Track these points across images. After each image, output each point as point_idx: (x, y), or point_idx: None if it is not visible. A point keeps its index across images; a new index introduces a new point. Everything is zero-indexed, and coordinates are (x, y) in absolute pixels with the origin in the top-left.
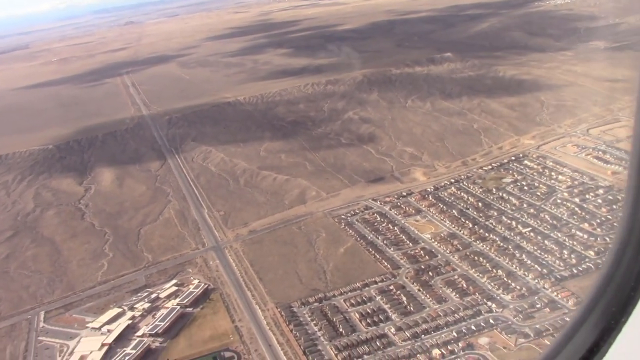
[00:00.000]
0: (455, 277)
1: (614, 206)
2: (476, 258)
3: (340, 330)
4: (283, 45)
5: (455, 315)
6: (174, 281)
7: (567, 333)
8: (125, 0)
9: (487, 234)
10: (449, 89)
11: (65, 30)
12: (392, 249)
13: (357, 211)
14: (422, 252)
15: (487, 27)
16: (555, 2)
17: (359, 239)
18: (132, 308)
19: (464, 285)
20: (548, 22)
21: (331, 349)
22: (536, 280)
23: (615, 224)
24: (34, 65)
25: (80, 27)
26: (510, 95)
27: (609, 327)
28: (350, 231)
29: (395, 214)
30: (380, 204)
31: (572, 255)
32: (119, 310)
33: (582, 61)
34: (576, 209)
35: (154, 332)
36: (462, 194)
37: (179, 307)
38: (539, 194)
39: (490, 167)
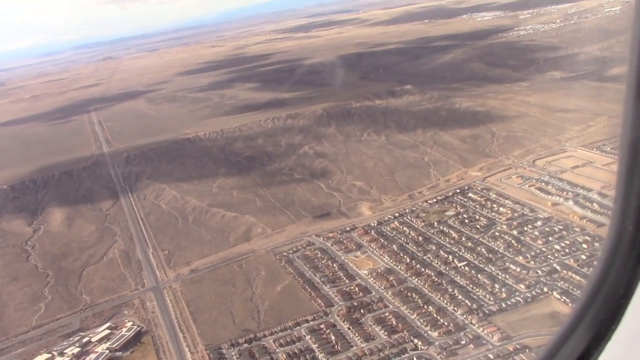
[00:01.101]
0: (387, 314)
1: (550, 238)
2: (409, 294)
3: None
4: (251, 80)
5: (381, 353)
6: (107, 324)
7: (557, 341)
8: (107, 35)
9: (423, 269)
10: (405, 121)
11: (44, 67)
12: (328, 286)
13: (300, 248)
14: (357, 288)
15: (450, 58)
16: (519, 33)
17: (297, 277)
18: (61, 353)
19: (394, 322)
20: (509, 53)
21: None
22: (464, 316)
23: (549, 256)
24: (4, 103)
25: (59, 63)
26: (464, 127)
27: (599, 336)
28: (290, 269)
29: (337, 249)
30: (323, 239)
31: (503, 289)
32: (48, 356)
33: (536, 92)
34: (513, 241)
35: None
36: (404, 228)
37: (108, 351)
38: (478, 226)
39: (435, 200)
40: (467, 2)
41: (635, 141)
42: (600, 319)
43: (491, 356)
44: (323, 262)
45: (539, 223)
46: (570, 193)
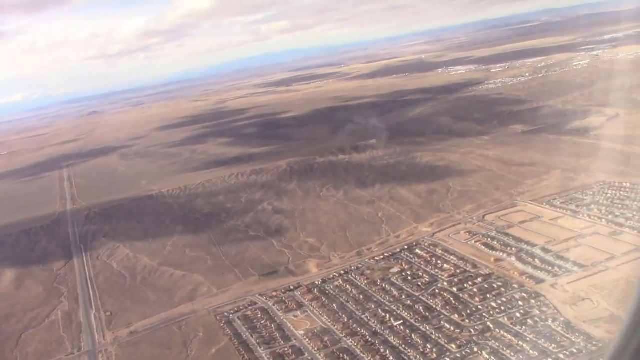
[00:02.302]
0: None
1: (488, 295)
2: (341, 355)
3: None
4: (225, 134)
5: None
6: None
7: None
8: (96, 90)
9: (359, 329)
10: (365, 176)
11: (29, 122)
12: (262, 348)
13: (241, 307)
14: (290, 350)
15: (419, 112)
16: (488, 86)
17: (233, 338)
18: None
19: None
20: (476, 107)
21: None
22: None
23: (484, 314)
24: None
25: (46, 118)
26: (421, 182)
27: None
28: (228, 330)
29: (277, 309)
30: (266, 299)
31: (434, 349)
32: None
33: (496, 145)
34: (451, 299)
35: None
36: (348, 286)
37: None
38: (420, 284)
39: (382, 257)
40: (446, 56)
41: None
42: None
43: None
44: (262, 322)
45: (480, 280)
46: (514, 249)
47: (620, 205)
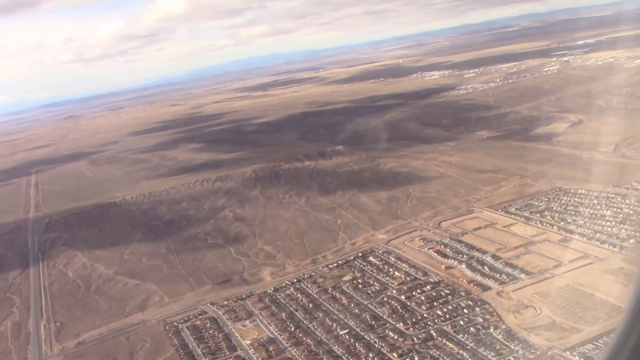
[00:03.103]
0: None
1: (435, 303)
2: None
3: None
4: (196, 140)
5: None
6: None
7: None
8: (77, 93)
9: (304, 338)
10: (328, 183)
11: (6, 126)
12: (207, 358)
13: (191, 317)
14: None
15: (389, 118)
16: (459, 92)
17: (180, 349)
18: None
19: None
20: (445, 112)
21: None
22: None
23: (429, 322)
24: None
25: (22, 122)
26: (383, 189)
27: None
28: (175, 340)
29: (227, 318)
30: (217, 308)
31: (376, 359)
32: None
33: (460, 151)
34: (399, 307)
35: None
36: (299, 294)
37: None
38: (370, 292)
39: (336, 264)
40: (423, 61)
41: None
42: None
43: None
44: (210, 332)
45: (428, 287)
46: (465, 256)
47: (572, 212)
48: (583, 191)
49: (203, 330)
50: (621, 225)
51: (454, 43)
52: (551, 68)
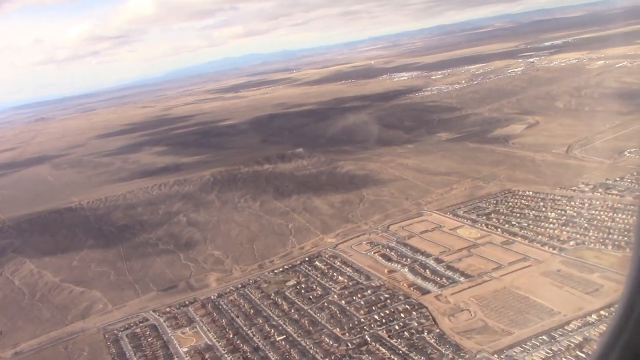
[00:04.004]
0: None
1: (373, 307)
2: None
3: None
4: (161, 143)
5: None
6: None
7: None
8: (51, 95)
9: (242, 345)
10: (284, 187)
11: None
12: None
13: (132, 325)
14: None
15: (353, 120)
16: (424, 94)
17: (117, 358)
18: None
19: None
20: (409, 114)
21: None
22: None
23: (365, 327)
24: None
25: None
26: (337, 192)
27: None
28: (113, 349)
29: (168, 326)
30: (159, 315)
31: None
32: None
33: (418, 154)
34: (337, 312)
35: None
36: (241, 300)
37: None
38: (311, 297)
39: (282, 269)
40: (395, 62)
41: None
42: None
43: None
44: (149, 340)
45: (369, 292)
46: (409, 259)
47: (518, 214)
48: (531, 193)
49: (142, 338)
50: (563, 227)
51: (428, 44)
52: (516, 69)
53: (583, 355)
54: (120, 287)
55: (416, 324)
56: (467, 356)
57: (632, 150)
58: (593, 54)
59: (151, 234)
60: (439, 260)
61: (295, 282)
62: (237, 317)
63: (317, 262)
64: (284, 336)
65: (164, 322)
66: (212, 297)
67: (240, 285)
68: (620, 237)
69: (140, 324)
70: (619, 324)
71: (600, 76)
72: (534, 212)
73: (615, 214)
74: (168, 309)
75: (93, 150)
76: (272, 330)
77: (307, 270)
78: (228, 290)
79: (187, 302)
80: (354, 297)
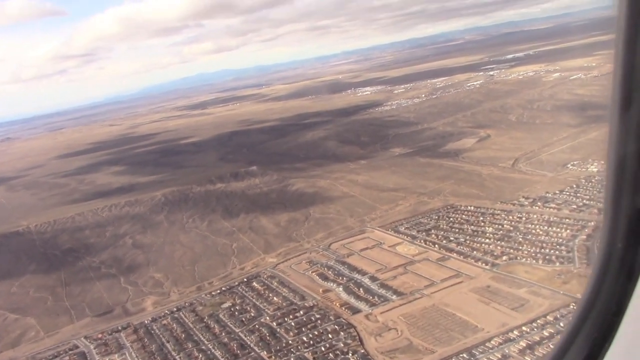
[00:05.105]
0: None
1: (303, 329)
2: None
3: None
4: (120, 162)
5: None
6: None
7: None
8: (19, 114)
9: None
10: (233, 206)
11: None
12: None
13: (62, 352)
14: None
15: (311, 136)
16: (384, 108)
17: None
18: None
19: None
20: (366, 130)
21: None
22: None
23: (292, 349)
24: None
25: None
26: (285, 210)
27: (592, 355)
28: None
29: (97, 352)
30: (89, 342)
31: None
32: None
33: (369, 170)
34: (267, 334)
35: None
36: (174, 324)
37: None
38: (244, 319)
39: (219, 291)
40: (362, 77)
41: (622, 157)
42: (592, 337)
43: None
44: None
45: (301, 312)
46: (345, 278)
47: (457, 230)
48: (472, 208)
49: None
50: (498, 242)
51: (398, 57)
52: (475, 83)
53: None
54: (56, 313)
55: (342, 345)
56: None
57: (575, 162)
58: (551, 65)
59: (95, 257)
60: (373, 279)
61: (230, 304)
62: (168, 342)
63: (254, 283)
64: None
65: (94, 349)
66: (146, 321)
67: (175, 309)
68: (552, 251)
69: (70, 352)
70: (574, 329)
71: (554, 88)
72: (472, 227)
73: (549, 228)
74: (100, 335)
75: (51, 171)
76: (200, 355)
77: (243, 292)
78: (163, 314)
79: (120, 328)
80: (286, 319)
